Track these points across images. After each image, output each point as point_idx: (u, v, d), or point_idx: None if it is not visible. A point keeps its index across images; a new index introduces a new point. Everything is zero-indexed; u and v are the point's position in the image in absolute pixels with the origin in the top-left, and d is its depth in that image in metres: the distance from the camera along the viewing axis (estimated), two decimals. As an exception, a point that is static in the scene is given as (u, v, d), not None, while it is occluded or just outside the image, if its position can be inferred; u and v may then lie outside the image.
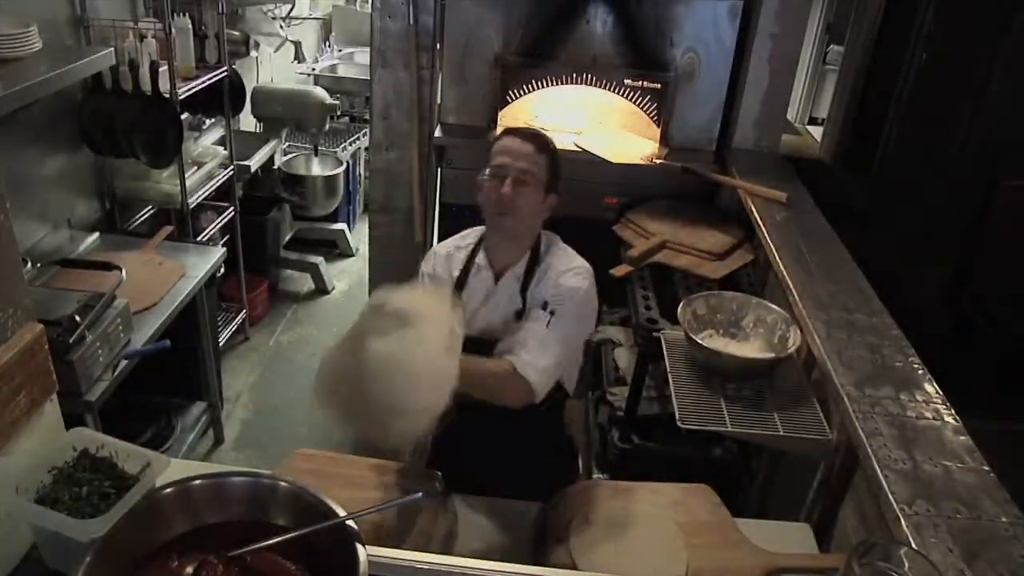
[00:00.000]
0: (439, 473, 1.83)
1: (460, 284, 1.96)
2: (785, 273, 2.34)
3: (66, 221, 3.01)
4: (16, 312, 1.42)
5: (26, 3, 2.62)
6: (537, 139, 1.89)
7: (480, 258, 1.97)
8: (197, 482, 1.34)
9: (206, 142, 3.73)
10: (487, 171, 1.88)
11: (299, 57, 4.93)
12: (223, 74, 3.45)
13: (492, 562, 1.43)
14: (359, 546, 1.22)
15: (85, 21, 2.89)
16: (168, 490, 1.32)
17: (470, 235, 2.04)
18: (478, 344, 1.84)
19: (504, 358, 1.73)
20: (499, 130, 3.40)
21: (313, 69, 5.08)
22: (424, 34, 3.18)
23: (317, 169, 4.72)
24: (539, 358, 1.73)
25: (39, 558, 1.38)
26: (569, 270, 1.88)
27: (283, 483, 1.35)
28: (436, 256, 2.03)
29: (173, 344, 2.62)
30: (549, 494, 1.79)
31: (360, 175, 5.37)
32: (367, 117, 4.07)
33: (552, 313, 1.79)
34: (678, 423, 1.97)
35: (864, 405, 1.74)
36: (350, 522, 1.26)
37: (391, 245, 3.57)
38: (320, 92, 4.49)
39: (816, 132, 4.27)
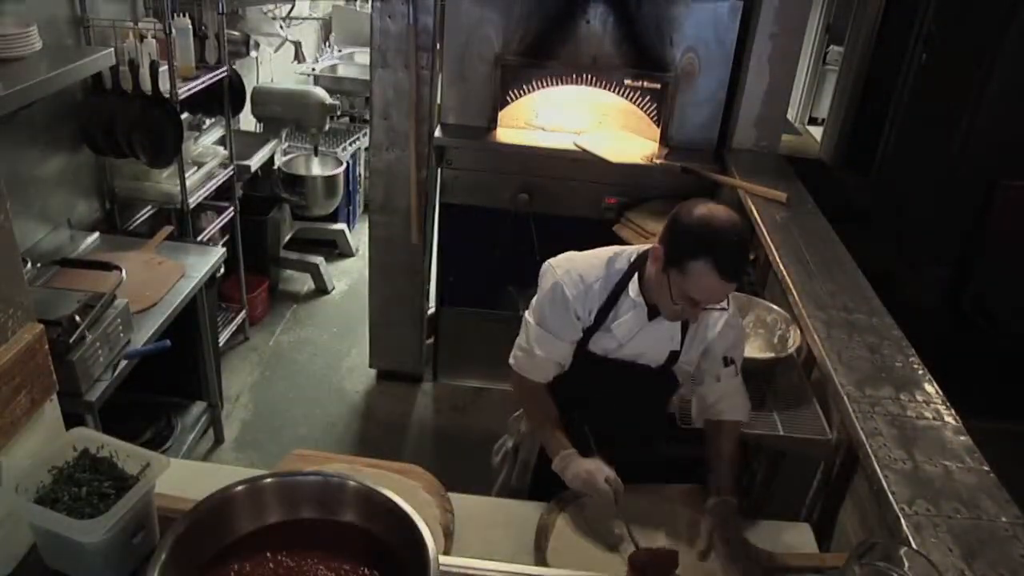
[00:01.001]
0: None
1: (605, 312, 1.83)
2: (785, 273, 2.34)
3: (66, 221, 3.01)
4: (16, 312, 1.42)
5: (26, 3, 2.61)
6: (742, 266, 1.70)
7: (634, 293, 1.80)
8: (267, 481, 1.35)
9: (206, 142, 3.72)
10: (681, 291, 1.68)
11: (299, 57, 4.93)
12: (223, 74, 3.45)
13: (492, 562, 1.43)
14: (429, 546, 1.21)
15: (85, 21, 2.89)
16: (238, 488, 1.32)
17: (601, 265, 1.85)
18: (634, 369, 1.86)
19: (727, 423, 1.91)
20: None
21: (313, 69, 5.08)
22: (424, 34, 3.18)
23: (317, 169, 4.72)
24: (744, 401, 1.93)
25: (39, 558, 1.38)
26: (731, 313, 1.87)
27: (352, 482, 1.35)
28: (583, 285, 1.83)
29: (173, 344, 2.62)
30: None
31: (360, 175, 5.37)
32: (367, 117, 4.07)
33: (733, 362, 1.89)
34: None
35: (864, 405, 1.74)
36: (419, 523, 1.26)
37: (391, 245, 3.57)
38: (320, 92, 4.49)
39: (816, 132, 4.28)
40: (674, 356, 1.88)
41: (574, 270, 1.84)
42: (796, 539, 1.78)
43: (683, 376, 1.95)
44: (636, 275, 1.81)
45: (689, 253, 1.63)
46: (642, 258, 1.82)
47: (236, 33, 3.96)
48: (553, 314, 1.84)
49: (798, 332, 2.11)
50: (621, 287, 1.82)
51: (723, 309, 1.81)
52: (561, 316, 1.84)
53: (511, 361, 1.93)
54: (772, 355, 2.13)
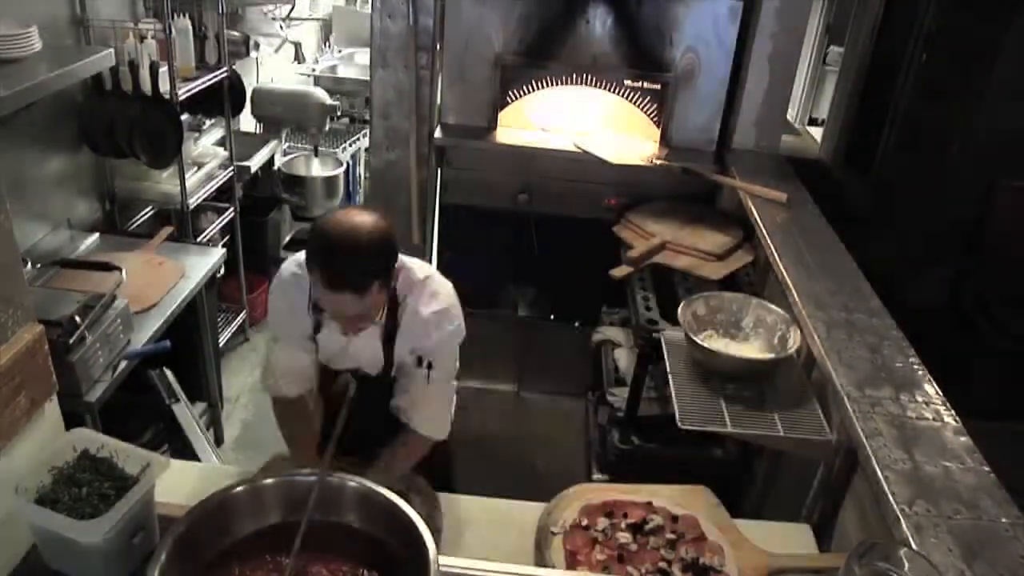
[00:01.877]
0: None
1: (316, 328, 1.81)
2: (785, 273, 2.33)
3: (66, 221, 3.01)
4: (16, 312, 1.42)
5: (26, 4, 2.62)
6: (358, 278, 1.55)
7: (326, 314, 1.73)
8: (266, 482, 1.35)
9: (206, 143, 3.72)
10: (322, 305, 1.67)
11: (299, 57, 4.93)
12: (223, 75, 3.45)
13: (492, 562, 1.43)
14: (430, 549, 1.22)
15: (85, 22, 2.89)
16: (238, 490, 1.32)
17: (300, 269, 1.71)
18: (356, 376, 1.79)
19: (407, 429, 1.82)
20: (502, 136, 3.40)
21: (313, 70, 5.08)
22: (424, 34, 3.18)
23: (317, 169, 4.72)
24: (435, 413, 1.84)
25: (39, 558, 1.38)
26: (435, 313, 1.75)
27: (351, 483, 1.35)
28: (284, 292, 1.79)
29: (173, 345, 2.62)
30: None
31: (360, 175, 5.37)
32: (367, 117, 4.07)
33: (430, 366, 1.79)
34: (678, 424, 1.97)
35: (864, 405, 1.74)
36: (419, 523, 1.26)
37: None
38: (320, 93, 4.49)
39: (816, 132, 4.27)
40: (388, 366, 1.82)
41: (285, 270, 1.79)
42: (796, 539, 1.78)
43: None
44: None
45: (308, 262, 1.58)
46: None
47: (236, 33, 3.96)
48: (280, 318, 1.82)
49: (798, 332, 2.11)
50: (317, 302, 1.73)
51: (377, 322, 1.72)
52: (287, 318, 1.81)
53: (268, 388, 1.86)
54: (772, 355, 2.13)
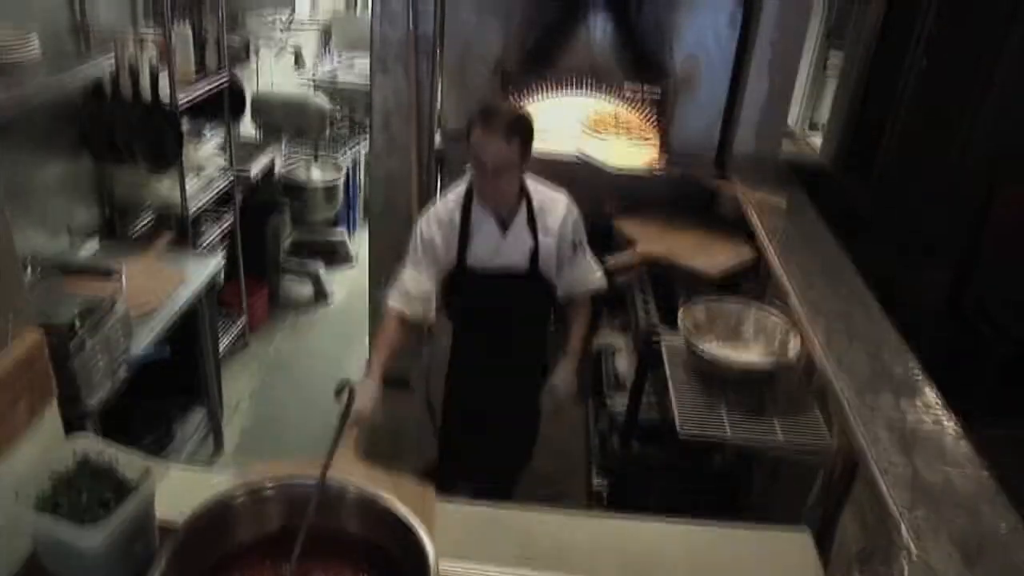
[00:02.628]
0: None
1: (464, 238, 2.26)
2: (785, 279, 2.33)
3: (66, 227, 3.01)
4: (16, 318, 1.42)
5: (26, 10, 2.62)
6: (505, 126, 2.09)
7: (478, 213, 2.25)
8: (266, 488, 1.35)
9: (206, 149, 3.73)
10: (471, 160, 2.17)
11: (299, 64, 4.94)
12: (223, 81, 3.45)
13: (493, 566, 1.43)
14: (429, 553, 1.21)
15: (85, 28, 2.89)
16: (239, 496, 1.32)
17: (452, 196, 2.30)
18: (507, 275, 2.29)
19: (581, 298, 2.45)
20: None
21: (313, 75, 5.09)
22: (424, 41, 3.18)
23: (317, 175, 4.73)
24: (595, 272, 2.46)
25: (39, 564, 1.37)
26: (560, 203, 2.34)
27: (352, 488, 1.35)
28: (438, 220, 2.27)
29: (173, 350, 2.62)
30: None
31: (360, 181, 5.38)
32: (367, 124, 4.08)
33: (579, 243, 2.39)
34: (678, 431, 1.97)
35: (864, 411, 1.74)
36: (419, 529, 1.26)
37: (391, 251, 3.56)
38: (319, 99, 4.50)
39: (816, 138, 4.28)
40: (535, 255, 2.27)
41: (438, 202, 2.34)
42: (796, 545, 1.77)
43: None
44: (476, 200, 2.25)
45: (470, 123, 2.12)
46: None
47: (236, 39, 3.97)
48: (426, 245, 2.27)
49: (798, 338, 2.11)
50: (467, 211, 2.25)
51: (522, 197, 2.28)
52: (437, 243, 2.26)
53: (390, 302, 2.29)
54: (772, 361, 2.13)
